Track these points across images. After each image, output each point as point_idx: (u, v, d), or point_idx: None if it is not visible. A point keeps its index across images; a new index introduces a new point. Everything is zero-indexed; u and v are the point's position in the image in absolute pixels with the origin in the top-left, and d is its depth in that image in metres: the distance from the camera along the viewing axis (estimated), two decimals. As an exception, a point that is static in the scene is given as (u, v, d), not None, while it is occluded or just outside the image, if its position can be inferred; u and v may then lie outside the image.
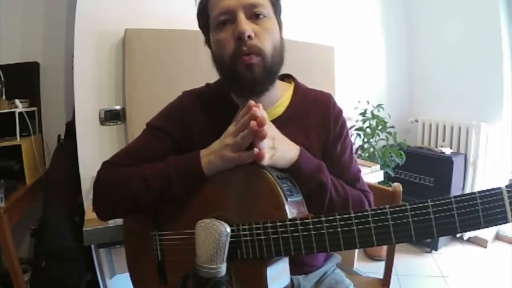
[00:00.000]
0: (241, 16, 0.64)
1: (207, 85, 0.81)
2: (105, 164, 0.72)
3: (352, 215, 0.50)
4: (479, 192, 0.44)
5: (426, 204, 0.46)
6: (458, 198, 0.44)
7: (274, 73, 0.69)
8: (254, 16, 0.65)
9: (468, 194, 0.44)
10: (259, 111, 0.57)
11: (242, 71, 0.65)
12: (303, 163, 0.64)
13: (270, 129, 0.60)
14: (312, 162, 0.66)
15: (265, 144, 0.57)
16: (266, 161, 0.56)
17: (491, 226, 0.43)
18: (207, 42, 0.74)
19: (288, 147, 0.64)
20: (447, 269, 1.99)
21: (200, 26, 0.74)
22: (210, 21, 0.69)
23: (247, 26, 0.63)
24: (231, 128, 0.61)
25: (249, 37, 0.63)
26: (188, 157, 0.64)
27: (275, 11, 0.70)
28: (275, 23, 0.70)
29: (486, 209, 0.43)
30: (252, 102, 0.59)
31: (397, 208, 0.47)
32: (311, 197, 0.63)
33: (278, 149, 0.60)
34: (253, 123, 0.55)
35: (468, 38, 2.24)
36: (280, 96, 0.75)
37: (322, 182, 0.66)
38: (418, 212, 0.46)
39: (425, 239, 0.47)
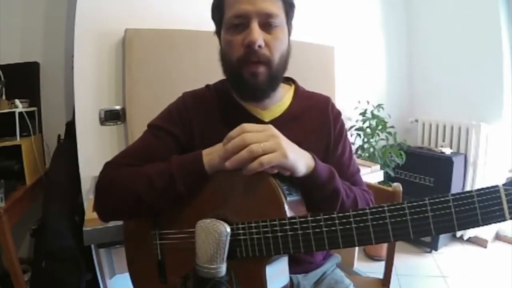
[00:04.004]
0: (255, 25, 0.65)
1: (207, 86, 0.81)
2: (107, 165, 0.72)
3: (351, 213, 0.50)
4: (476, 190, 0.44)
5: (424, 202, 0.46)
6: (456, 196, 0.45)
7: (278, 80, 0.71)
8: (267, 24, 0.66)
9: (465, 192, 0.44)
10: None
11: (247, 78, 0.67)
12: (319, 170, 0.62)
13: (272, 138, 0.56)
14: (324, 168, 0.65)
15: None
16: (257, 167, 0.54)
17: (489, 224, 0.44)
18: (218, 33, 0.74)
19: (302, 154, 0.61)
20: (447, 269, 1.99)
21: (213, 18, 0.74)
22: (224, 18, 0.70)
23: (258, 35, 0.64)
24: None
25: (259, 46, 0.64)
26: (190, 156, 0.64)
27: (288, 19, 0.71)
28: (286, 31, 0.71)
29: (484, 207, 0.43)
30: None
31: (395, 207, 0.48)
32: (323, 203, 0.63)
33: (291, 157, 0.56)
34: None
35: (468, 38, 2.24)
36: (281, 97, 0.77)
37: (336, 189, 0.65)
38: (416, 210, 0.46)
39: (423, 237, 0.47)
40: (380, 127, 2.17)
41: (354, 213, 0.50)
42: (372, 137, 2.18)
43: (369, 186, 1.01)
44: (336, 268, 0.88)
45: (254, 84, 0.67)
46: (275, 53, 0.67)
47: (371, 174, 1.72)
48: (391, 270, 1.07)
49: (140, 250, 0.73)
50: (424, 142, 2.50)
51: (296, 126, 0.74)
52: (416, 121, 2.57)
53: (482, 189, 0.44)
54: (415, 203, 0.46)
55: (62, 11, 1.70)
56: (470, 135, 2.20)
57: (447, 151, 2.22)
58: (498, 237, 2.29)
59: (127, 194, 0.65)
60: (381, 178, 1.79)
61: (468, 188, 2.26)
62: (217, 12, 0.72)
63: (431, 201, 0.46)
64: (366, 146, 2.19)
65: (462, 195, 0.44)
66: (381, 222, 0.48)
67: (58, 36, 1.72)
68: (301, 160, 0.59)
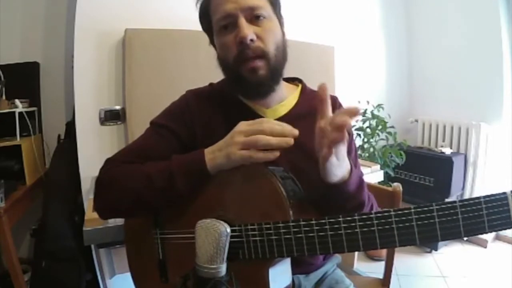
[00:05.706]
0: (242, 21, 0.65)
1: (211, 84, 0.81)
2: (108, 161, 0.71)
3: (356, 217, 0.50)
4: (484, 196, 0.43)
5: (430, 208, 0.45)
6: (463, 203, 0.44)
7: (279, 72, 0.71)
8: (254, 18, 0.66)
9: (473, 199, 0.44)
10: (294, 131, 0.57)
11: (247, 75, 0.66)
12: (350, 183, 0.61)
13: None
14: (356, 178, 0.62)
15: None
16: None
17: (496, 230, 0.43)
18: (212, 42, 0.75)
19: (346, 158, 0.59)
20: (447, 269, 1.99)
21: (203, 29, 0.75)
22: (212, 24, 0.70)
23: (248, 30, 0.64)
24: (243, 127, 0.58)
25: (251, 40, 0.64)
26: (192, 155, 0.64)
27: (275, 9, 0.71)
28: (276, 22, 0.71)
29: (491, 214, 0.43)
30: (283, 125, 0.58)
31: (402, 211, 0.47)
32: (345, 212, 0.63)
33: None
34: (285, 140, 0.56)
35: (468, 38, 2.25)
36: (286, 96, 0.77)
37: (362, 202, 0.65)
38: (422, 215, 0.46)
39: (429, 242, 0.47)
40: (380, 127, 2.17)
41: (359, 217, 0.50)
42: (372, 137, 2.18)
43: (369, 186, 1.01)
44: (337, 268, 0.88)
45: (255, 79, 0.66)
46: (269, 44, 0.67)
47: (371, 174, 1.72)
48: (391, 270, 1.07)
49: (141, 249, 0.74)
50: (424, 142, 2.50)
51: (301, 125, 0.72)
52: (416, 121, 2.57)
53: (490, 195, 0.43)
54: (421, 209, 0.46)
55: (62, 11, 1.70)
56: (470, 135, 2.20)
57: (447, 151, 2.22)
58: (498, 237, 2.29)
59: (126, 191, 0.65)
60: (381, 178, 1.78)
61: (468, 188, 2.26)
62: (205, 20, 0.72)
63: (438, 207, 0.45)
64: (366, 146, 2.19)
65: (470, 202, 0.44)
66: (387, 227, 0.47)
67: (58, 36, 1.72)
68: (335, 172, 0.58)
